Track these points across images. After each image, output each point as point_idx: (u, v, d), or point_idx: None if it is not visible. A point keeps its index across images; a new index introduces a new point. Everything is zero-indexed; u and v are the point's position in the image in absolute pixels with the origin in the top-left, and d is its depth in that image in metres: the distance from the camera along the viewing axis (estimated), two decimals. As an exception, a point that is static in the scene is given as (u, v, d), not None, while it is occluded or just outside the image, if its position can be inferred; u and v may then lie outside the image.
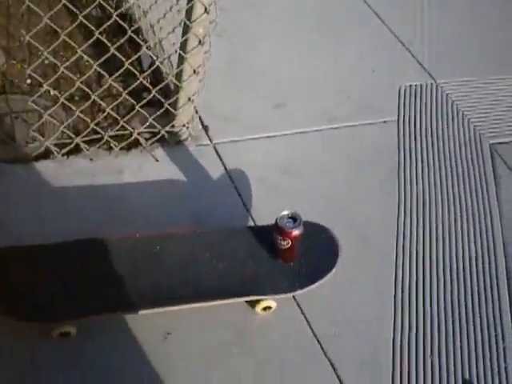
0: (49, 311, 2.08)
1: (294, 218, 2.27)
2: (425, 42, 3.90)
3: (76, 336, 2.11)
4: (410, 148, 3.15)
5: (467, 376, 2.33)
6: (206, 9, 2.49)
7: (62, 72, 2.55)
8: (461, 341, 2.42)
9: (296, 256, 2.34)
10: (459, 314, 2.50)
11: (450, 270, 2.64)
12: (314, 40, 3.75)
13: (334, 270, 2.36)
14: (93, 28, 2.41)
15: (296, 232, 2.25)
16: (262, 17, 3.83)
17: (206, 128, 2.98)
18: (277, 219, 2.27)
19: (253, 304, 2.31)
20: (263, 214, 2.59)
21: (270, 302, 2.30)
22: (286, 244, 2.27)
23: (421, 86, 3.57)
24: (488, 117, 3.46)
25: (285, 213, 2.28)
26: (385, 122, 3.29)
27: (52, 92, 2.89)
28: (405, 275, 2.58)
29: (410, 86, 3.56)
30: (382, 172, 3.01)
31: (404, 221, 2.79)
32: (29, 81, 2.99)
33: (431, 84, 3.60)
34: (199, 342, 2.22)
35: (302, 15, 3.92)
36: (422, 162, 3.09)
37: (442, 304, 2.52)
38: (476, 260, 2.71)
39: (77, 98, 2.94)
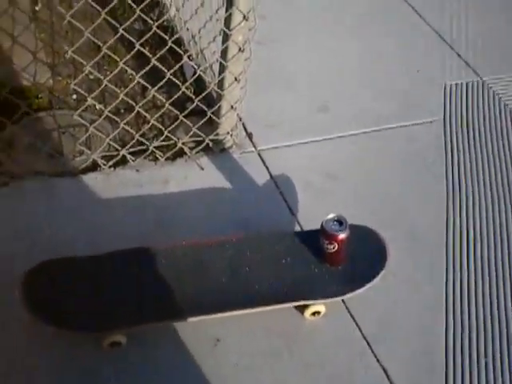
0: (99, 321, 2.10)
1: (339, 222, 2.25)
2: (468, 40, 3.85)
3: (126, 345, 2.13)
4: (457, 147, 3.11)
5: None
6: (244, 16, 2.50)
7: (106, 86, 2.59)
8: (516, 342, 2.37)
9: (343, 259, 2.32)
10: (513, 314, 2.45)
11: (503, 270, 2.59)
12: (355, 43, 3.73)
13: (382, 273, 2.33)
14: (134, 40, 2.45)
15: (342, 235, 2.23)
16: (302, 22, 3.83)
17: (249, 135, 2.98)
18: (322, 223, 2.25)
19: (302, 309, 2.30)
20: (310, 218, 2.58)
21: (318, 306, 2.28)
22: (332, 248, 2.26)
23: (466, 83, 3.52)
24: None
25: (330, 216, 2.26)
26: (431, 121, 3.25)
27: (98, 106, 2.94)
28: (456, 276, 2.54)
29: (456, 84, 3.51)
30: (430, 172, 2.97)
31: (454, 221, 2.75)
32: (74, 96, 3.05)
33: (477, 81, 3.54)
34: (249, 348, 2.22)
35: (342, 18, 3.91)
36: (470, 161, 3.04)
37: (495, 304, 2.47)
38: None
39: (122, 110, 2.99)
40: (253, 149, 2.94)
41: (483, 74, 3.60)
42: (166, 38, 2.58)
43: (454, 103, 3.37)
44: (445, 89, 3.46)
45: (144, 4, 2.41)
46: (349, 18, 3.91)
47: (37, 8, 3.48)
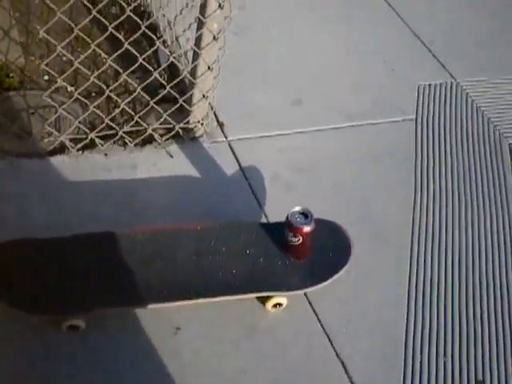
0: (58, 304, 2.09)
1: (305, 214, 2.26)
2: (445, 41, 3.86)
3: (86, 329, 2.12)
4: (427, 146, 3.12)
5: (481, 378, 2.30)
6: (219, 4, 2.49)
7: (78, 68, 2.57)
8: (475, 342, 2.38)
9: (307, 253, 2.33)
10: (474, 314, 2.46)
11: (466, 268, 2.61)
12: (332, 38, 3.74)
13: (345, 268, 2.34)
14: (106, 23, 2.43)
15: (307, 228, 2.24)
16: (280, 14, 3.83)
17: (221, 125, 2.98)
18: (288, 215, 2.26)
19: (263, 301, 2.30)
20: (276, 211, 2.57)
21: (280, 298, 2.29)
22: (296, 240, 2.26)
23: (440, 84, 3.54)
24: (508, 116, 3.42)
25: (296, 209, 2.27)
26: (403, 120, 3.27)
27: (69, 88, 2.91)
28: (419, 273, 2.55)
29: (430, 84, 3.52)
30: (399, 170, 2.98)
31: (420, 218, 2.76)
32: (46, 77, 3.02)
33: (451, 83, 3.56)
34: (209, 337, 2.21)
35: (320, 13, 3.90)
36: (439, 160, 3.06)
37: (457, 303, 2.49)
38: (492, 256, 2.67)
39: (93, 94, 2.97)
40: (223, 139, 2.94)
41: (458, 76, 3.61)
42: (140, 22, 2.56)
43: (426, 103, 3.39)
44: (418, 89, 3.48)
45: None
46: (327, 13, 3.91)
47: (12, -14, 3.44)
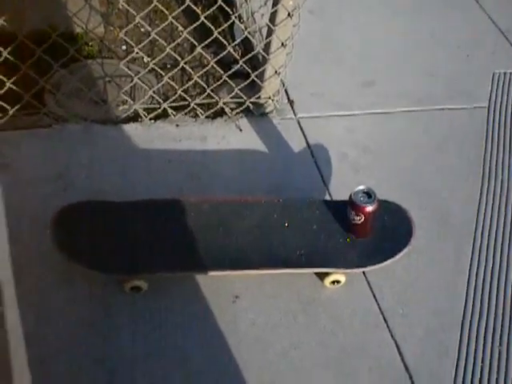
0: (123, 265, 2.16)
1: (368, 194, 2.27)
2: (523, 30, 3.80)
3: (148, 291, 2.19)
4: (498, 135, 3.08)
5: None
6: (296, -19, 2.51)
7: (155, 39, 2.63)
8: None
9: (369, 232, 2.34)
10: (534, 304, 2.45)
11: (529, 259, 2.58)
12: (409, 21, 3.71)
13: (406, 250, 2.34)
14: (185, -5, 2.48)
15: (369, 208, 2.25)
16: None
17: (291, 102, 3.00)
18: (351, 194, 2.27)
19: (322, 277, 2.33)
20: (341, 189, 2.59)
21: (339, 276, 2.31)
22: (359, 219, 2.28)
23: (516, 73, 3.49)
24: None
25: (360, 188, 2.28)
26: (475, 107, 3.22)
27: (145, 59, 2.99)
28: (481, 261, 2.54)
29: (505, 73, 3.46)
30: (467, 157, 2.95)
31: (486, 206, 2.74)
32: (124, 47, 3.10)
33: (527, 72, 3.50)
34: (267, 308, 2.26)
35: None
36: (510, 150, 3.01)
37: (516, 294, 2.47)
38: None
39: (169, 66, 3.03)
40: (293, 116, 2.96)
41: (534, 65, 3.55)
42: (217, -4, 2.61)
43: (500, 92, 3.33)
44: (493, 76, 3.42)
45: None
46: (405, -2, 3.88)
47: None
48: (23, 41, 2.42)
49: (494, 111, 3.22)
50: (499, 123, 3.15)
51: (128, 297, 2.18)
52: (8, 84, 2.49)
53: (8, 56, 2.43)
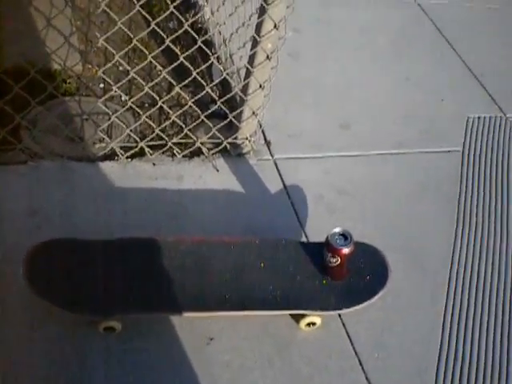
0: (97, 305, 2.13)
1: (345, 236, 2.27)
2: (496, 75, 3.86)
3: (122, 332, 2.16)
4: (472, 179, 3.12)
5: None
6: (275, 25, 2.53)
7: (134, 78, 2.63)
8: (507, 374, 2.36)
9: (345, 274, 2.34)
10: (508, 347, 2.45)
11: (503, 303, 2.59)
12: (384, 64, 3.77)
13: (382, 293, 2.34)
14: (164, 35, 2.49)
15: (346, 250, 2.25)
16: (334, 39, 3.88)
17: (268, 143, 3.02)
18: (328, 236, 2.28)
19: (298, 318, 2.32)
20: (317, 231, 2.60)
21: (315, 318, 2.30)
22: (335, 261, 2.28)
23: (489, 118, 3.54)
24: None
25: (336, 230, 2.28)
26: (449, 151, 3.27)
27: (123, 97, 2.99)
28: (455, 305, 2.55)
29: (479, 117, 3.52)
30: (442, 200, 2.98)
31: (460, 250, 2.76)
32: (102, 85, 3.10)
33: (500, 117, 3.56)
34: (241, 350, 2.24)
35: (374, 41, 3.95)
36: (483, 193, 3.05)
37: (492, 336, 2.47)
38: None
39: (147, 105, 3.04)
40: (269, 157, 2.98)
41: (507, 110, 3.61)
42: (196, 37, 2.62)
43: (474, 136, 3.39)
44: (467, 121, 3.48)
45: (177, 2, 2.44)
46: (380, 41, 3.95)
47: (76, -4, 3.55)
48: (1, 76, 2.42)
49: (468, 155, 3.26)
50: (473, 166, 3.19)
51: (101, 337, 2.14)
52: (-16, 120, 2.48)
53: (-16, 92, 2.42)
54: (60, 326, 2.15)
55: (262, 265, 2.35)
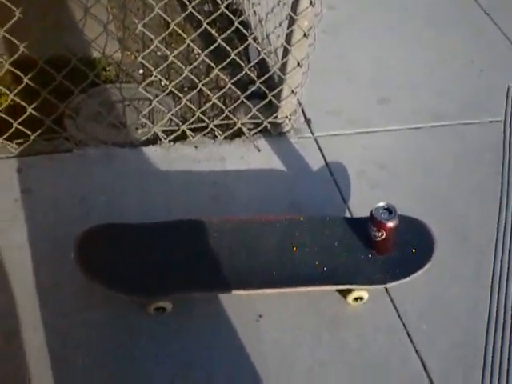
0: (147, 287, 2.18)
1: (389, 210, 2.27)
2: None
3: (172, 312, 2.20)
4: (515, 149, 3.09)
5: None
6: (311, 1, 2.53)
7: (172, 62, 2.66)
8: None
9: (390, 248, 2.35)
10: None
11: (550, 271, 2.58)
12: (420, 38, 3.73)
13: (428, 265, 2.35)
14: (201, 18, 2.51)
15: (390, 224, 2.26)
16: (369, 14, 3.85)
17: (308, 121, 3.03)
18: (372, 210, 2.28)
19: (345, 294, 2.34)
20: (360, 206, 2.61)
21: (361, 292, 2.32)
22: (380, 235, 2.28)
23: (531, 86, 3.49)
24: None
25: (380, 204, 2.29)
26: (490, 121, 3.23)
27: (163, 82, 3.02)
28: (503, 273, 2.53)
29: (520, 86, 3.48)
30: (485, 171, 2.96)
31: (506, 220, 2.73)
32: (141, 71, 3.14)
33: (542, 84, 3.51)
34: (290, 327, 2.26)
35: (409, 14, 3.91)
36: (527, 163, 3.03)
37: (540, 306, 2.47)
38: None
39: (186, 88, 3.07)
40: (310, 134, 2.98)
41: (549, 77, 3.56)
42: (233, 18, 2.63)
43: (516, 106, 3.35)
44: (508, 90, 3.43)
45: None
46: (416, 16, 3.90)
47: (111, -16, 3.58)
48: (43, 67, 2.46)
49: (511, 125, 3.22)
50: (516, 137, 3.16)
51: (152, 318, 2.19)
52: (29, 109, 2.53)
53: (28, 82, 2.47)
54: (112, 309, 2.21)
55: (308, 242, 2.37)
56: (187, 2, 2.49)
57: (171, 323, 2.20)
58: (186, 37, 2.60)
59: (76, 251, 2.20)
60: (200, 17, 2.56)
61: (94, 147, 2.73)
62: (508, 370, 2.26)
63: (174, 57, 2.67)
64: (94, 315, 2.19)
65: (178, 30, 2.63)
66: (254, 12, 3.18)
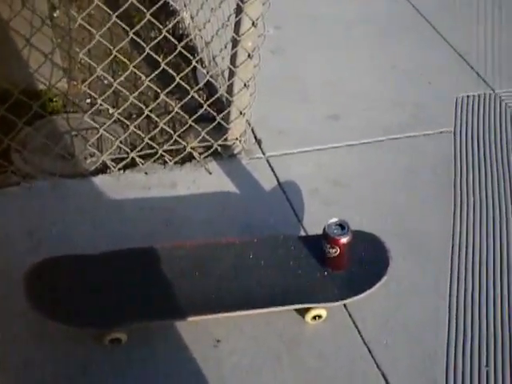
0: (101, 318, 2.13)
1: (341, 226, 2.27)
2: (481, 52, 3.86)
3: (128, 342, 2.15)
4: (466, 158, 3.11)
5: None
6: (253, 22, 2.54)
7: (119, 90, 2.63)
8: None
9: (345, 264, 2.34)
10: (517, 324, 2.45)
11: (508, 279, 2.58)
12: (368, 53, 3.77)
13: (384, 279, 2.34)
14: (143, 44, 2.50)
15: (344, 239, 2.25)
16: (316, 32, 3.87)
17: (259, 141, 3.02)
18: (325, 227, 2.28)
19: (303, 313, 2.31)
20: (315, 224, 2.57)
21: (320, 310, 2.29)
22: (334, 252, 2.27)
23: (479, 96, 3.53)
24: (549, 126, 3.40)
25: (333, 220, 2.28)
26: (441, 132, 3.26)
27: (110, 110, 2.99)
28: (460, 285, 2.54)
29: (468, 96, 3.52)
30: (438, 182, 2.97)
31: (460, 231, 2.75)
32: (88, 100, 3.11)
33: (489, 94, 3.55)
34: (249, 350, 2.23)
35: (356, 31, 3.94)
36: (479, 171, 3.04)
37: (499, 314, 2.46)
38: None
39: (134, 115, 3.04)
40: (261, 155, 2.97)
41: (495, 86, 3.60)
42: (176, 43, 2.62)
43: (464, 115, 3.38)
44: (456, 101, 3.47)
45: (152, 10, 2.45)
46: (363, 30, 3.94)
47: (55, 14, 3.55)
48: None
49: (461, 134, 3.25)
50: (466, 146, 3.19)
51: (108, 350, 2.14)
52: (-27, 145, 2.48)
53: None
54: (65, 343, 2.15)
55: (263, 263, 2.34)
56: (128, 29, 2.47)
57: (127, 354, 2.15)
58: (128, 63, 2.58)
59: (26, 286, 2.15)
60: (142, 43, 2.54)
61: (42, 179, 2.69)
62: (471, 381, 2.25)
63: (120, 84, 2.65)
64: (48, 351, 2.13)
65: (120, 56, 2.61)
66: (200, 36, 3.17)
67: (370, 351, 2.28)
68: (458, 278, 2.57)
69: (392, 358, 2.27)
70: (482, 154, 3.15)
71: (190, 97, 2.78)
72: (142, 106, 2.79)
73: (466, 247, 2.69)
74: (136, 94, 2.73)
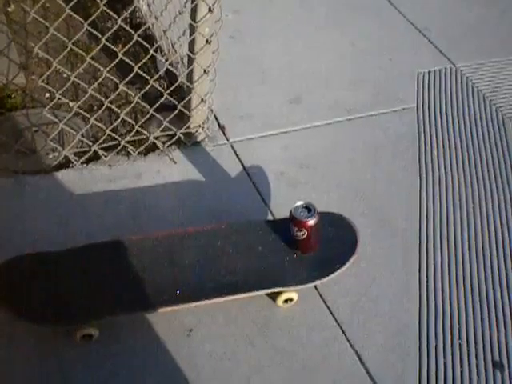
0: (71, 314, 2.11)
1: (308, 208, 2.27)
2: (440, 27, 3.88)
3: (100, 337, 2.14)
4: (430, 133, 3.13)
5: (497, 359, 2.30)
6: (209, 8, 2.51)
7: (78, 83, 2.59)
8: (490, 324, 2.39)
9: (314, 246, 2.34)
10: (487, 296, 2.47)
11: (476, 250, 2.61)
12: (327, 32, 3.76)
13: (353, 258, 2.35)
14: (98, 34, 2.46)
15: (311, 221, 2.25)
16: (276, 17, 3.85)
17: (222, 128, 3.00)
18: (291, 210, 2.27)
19: (274, 297, 2.32)
20: (282, 208, 2.58)
21: (290, 293, 2.30)
22: (302, 234, 2.27)
23: (439, 70, 3.55)
24: (510, 97, 3.41)
25: (299, 203, 2.28)
26: (404, 109, 3.27)
27: (71, 104, 2.95)
28: (429, 259, 2.56)
29: (429, 71, 3.53)
30: (403, 159, 2.98)
31: (427, 205, 2.77)
32: (48, 95, 3.06)
33: (450, 68, 3.57)
34: (222, 337, 2.23)
35: (313, 8, 3.93)
36: (443, 146, 3.07)
37: (469, 286, 2.49)
38: (502, 236, 2.68)
39: (95, 108, 3.00)
40: (225, 141, 2.96)
41: (456, 60, 3.62)
42: (132, 32, 2.59)
43: (426, 90, 3.40)
44: (417, 76, 3.49)
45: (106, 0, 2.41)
46: (322, 11, 3.93)
47: (9, 9, 3.49)
48: None
49: (423, 110, 3.27)
50: (429, 121, 3.20)
51: (80, 346, 2.12)
52: None
53: None
54: (37, 342, 2.14)
55: (231, 249, 2.34)
56: (82, 21, 2.43)
57: (100, 349, 2.14)
58: (85, 55, 2.54)
59: (-9, 285, 2.13)
60: (98, 34, 2.50)
61: (4, 177, 2.64)
62: (444, 353, 2.28)
63: (79, 77, 2.62)
64: (20, 350, 2.11)
65: (76, 49, 2.57)
66: (158, 24, 3.13)
67: (343, 331, 2.30)
68: (427, 252, 2.59)
69: (365, 336, 2.29)
70: (445, 129, 3.17)
71: (150, 86, 2.74)
72: (101, 98, 2.75)
73: (434, 221, 2.71)
74: (95, 85, 2.70)
